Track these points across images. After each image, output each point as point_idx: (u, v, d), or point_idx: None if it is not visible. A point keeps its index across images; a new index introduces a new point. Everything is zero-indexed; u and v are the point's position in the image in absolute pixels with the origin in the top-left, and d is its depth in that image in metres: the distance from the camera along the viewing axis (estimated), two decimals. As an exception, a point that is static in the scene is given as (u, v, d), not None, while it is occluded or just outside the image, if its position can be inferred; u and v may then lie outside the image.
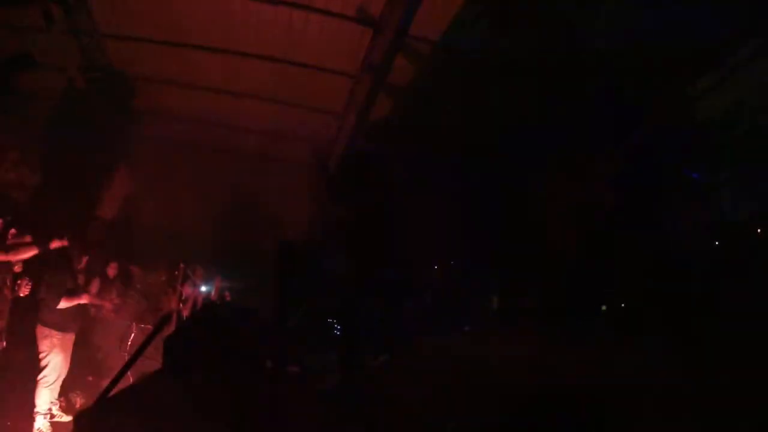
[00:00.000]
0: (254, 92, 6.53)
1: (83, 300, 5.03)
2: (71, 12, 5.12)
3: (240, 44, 5.61)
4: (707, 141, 5.28)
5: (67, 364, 4.92)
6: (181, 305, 6.17)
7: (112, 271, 6.63)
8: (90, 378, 5.77)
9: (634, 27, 4.71)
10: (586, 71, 5.28)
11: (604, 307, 4.88)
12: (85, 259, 5.33)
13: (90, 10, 5.19)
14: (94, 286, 6.24)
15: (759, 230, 4.52)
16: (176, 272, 6.22)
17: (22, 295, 4.53)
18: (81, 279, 5.62)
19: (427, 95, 6.23)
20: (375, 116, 6.47)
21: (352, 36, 5.36)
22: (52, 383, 4.70)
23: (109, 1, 5.07)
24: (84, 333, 5.41)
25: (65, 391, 5.14)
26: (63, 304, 4.76)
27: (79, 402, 5.29)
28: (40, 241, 4.69)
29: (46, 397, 4.66)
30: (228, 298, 7.14)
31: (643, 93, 5.39)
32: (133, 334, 6.22)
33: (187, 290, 6.43)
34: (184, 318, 5.95)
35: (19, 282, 4.53)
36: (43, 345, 4.70)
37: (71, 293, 4.89)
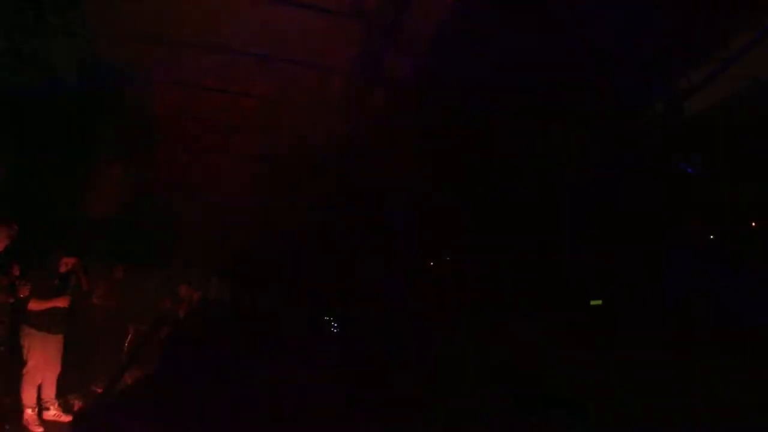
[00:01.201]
0: (247, 90, 6.49)
1: (59, 303, 4.94)
2: (63, 11, 5.08)
3: (230, 42, 5.57)
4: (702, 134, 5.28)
5: (55, 366, 4.90)
6: (177, 305, 6.16)
7: (118, 273, 6.63)
8: (87, 380, 5.76)
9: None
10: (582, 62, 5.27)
11: (598, 302, 4.90)
12: (69, 261, 5.13)
13: (82, 9, 5.14)
14: (100, 288, 6.23)
15: (753, 223, 4.53)
16: (171, 273, 6.21)
17: (21, 296, 4.53)
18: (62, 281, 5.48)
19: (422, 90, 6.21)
20: (370, 111, 6.45)
21: (344, 31, 5.33)
22: (35, 380, 4.71)
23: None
24: (81, 335, 5.38)
25: (63, 393, 5.13)
26: (33, 306, 4.72)
27: (77, 404, 5.29)
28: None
29: (29, 392, 4.67)
30: (225, 298, 7.14)
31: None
32: (130, 336, 6.22)
33: (183, 290, 6.42)
34: (181, 318, 5.95)
35: (15, 284, 4.51)
36: (24, 342, 4.72)
37: (42, 296, 4.81)
